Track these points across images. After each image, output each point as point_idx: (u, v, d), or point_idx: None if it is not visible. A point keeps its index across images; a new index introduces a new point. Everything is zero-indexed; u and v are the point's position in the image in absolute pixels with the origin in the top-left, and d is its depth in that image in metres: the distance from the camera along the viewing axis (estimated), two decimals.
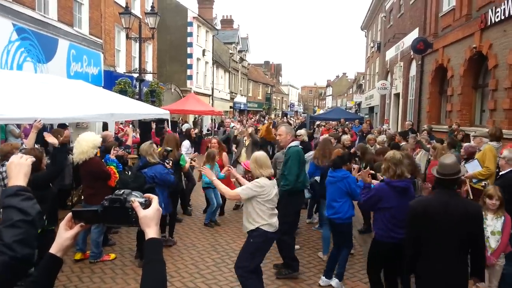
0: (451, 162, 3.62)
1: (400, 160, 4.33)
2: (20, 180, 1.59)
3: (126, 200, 1.44)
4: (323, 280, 5.49)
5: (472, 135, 7.83)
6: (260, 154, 4.75)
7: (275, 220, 4.53)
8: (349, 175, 5.49)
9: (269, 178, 4.52)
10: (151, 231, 1.44)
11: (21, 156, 1.68)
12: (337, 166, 5.62)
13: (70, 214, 1.50)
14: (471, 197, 5.86)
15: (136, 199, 1.45)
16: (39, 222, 1.51)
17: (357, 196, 5.19)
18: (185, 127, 15.52)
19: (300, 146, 6.03)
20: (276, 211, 4.62)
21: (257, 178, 4.51)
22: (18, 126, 8.01)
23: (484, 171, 6.29)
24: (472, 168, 6.39)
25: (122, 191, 1.48)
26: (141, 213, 1.43)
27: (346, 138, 9.64)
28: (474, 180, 6.36)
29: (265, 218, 4.41)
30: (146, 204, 1.47)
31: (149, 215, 1.45)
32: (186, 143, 9.79)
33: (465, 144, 7.56)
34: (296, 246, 6.37)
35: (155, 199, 1.51)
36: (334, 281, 5.43)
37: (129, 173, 6.05)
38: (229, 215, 8.81)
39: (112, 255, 6.20)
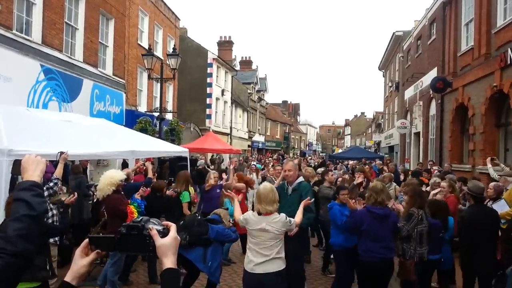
0: (483, 186, 5.69)
1: (381, 189, 4.83)
2: (35, 176, 1.63)
3: (144, 227, 1.40)
4: None
5: (497, 175, 7.57)
6: (263, 187, 4.27)
7: (258, 260, 4.05)
8: (333, 206, 5.71)
9: (260, 213, 4.10)
10: (168, 261, 1.38)
11: (36, 155, 1.71)
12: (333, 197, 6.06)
13: (86, 240, 1.46)
14: None
15: (154, 227, 1.40)
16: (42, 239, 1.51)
17: (338, 222, 5.50)
18: (200, 163, 15.57)
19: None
20: (262, 252, 4.06)
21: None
22: None
23: None
24: (499, 208, 6.03)
25: (140, 218, 1.44)
26: (159, 241, 1.39)
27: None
28: (502, 221, 6.03)
29: (247, 254, 4.25)
30: (164, 232, 1.42)
31: (167, 243, 1.40)
32: None
33: (493, 183, 7.29)
34: None
35: (173, 227, 1.46)
36: None
37: (199, 216, 5.67)
38: None
39: None
